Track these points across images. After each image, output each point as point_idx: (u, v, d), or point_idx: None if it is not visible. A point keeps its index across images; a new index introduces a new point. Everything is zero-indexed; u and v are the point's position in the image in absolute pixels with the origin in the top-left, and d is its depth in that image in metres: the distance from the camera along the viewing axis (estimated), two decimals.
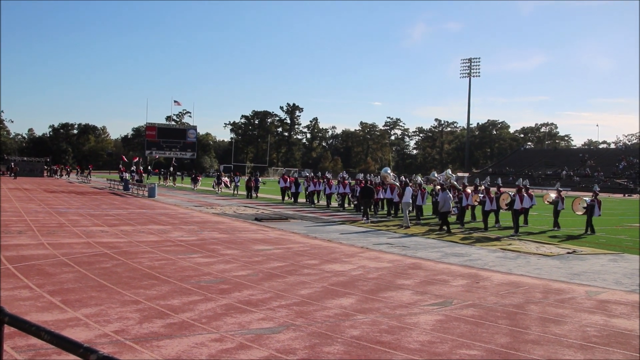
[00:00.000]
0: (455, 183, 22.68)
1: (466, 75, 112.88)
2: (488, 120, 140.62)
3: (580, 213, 19.41)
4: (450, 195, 19.38)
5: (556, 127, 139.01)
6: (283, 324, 6.48)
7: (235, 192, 37.90)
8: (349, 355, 5.45)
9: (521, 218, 19.36)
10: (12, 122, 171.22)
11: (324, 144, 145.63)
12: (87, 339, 5.59)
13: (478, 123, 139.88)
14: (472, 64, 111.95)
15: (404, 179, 23.24)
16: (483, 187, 20.56)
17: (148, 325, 6.20)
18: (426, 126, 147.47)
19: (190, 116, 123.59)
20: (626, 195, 66.97)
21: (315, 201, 30.27)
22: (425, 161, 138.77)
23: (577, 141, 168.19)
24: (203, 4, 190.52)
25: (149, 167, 54.97)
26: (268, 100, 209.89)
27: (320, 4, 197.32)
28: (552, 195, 20.71)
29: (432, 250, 13.49)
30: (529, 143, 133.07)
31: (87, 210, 21.18)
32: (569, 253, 13.64)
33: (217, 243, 13.43)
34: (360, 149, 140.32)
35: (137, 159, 52.41)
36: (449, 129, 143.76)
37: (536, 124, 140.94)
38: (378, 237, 16.02)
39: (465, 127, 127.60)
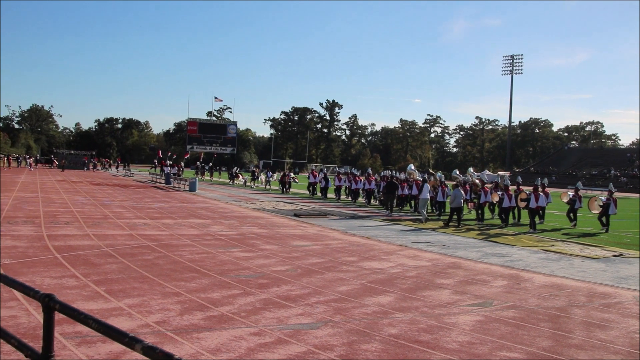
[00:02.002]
0: (477, 180, 23.26)
1: (508, 72, 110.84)
2: (530, 118, 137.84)
3: (596, 212, 19.97)
4: (462, 192, 19.92)
5: (602, 126, 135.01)
6: (321, 320, 6.50)
7: (268, 186, 39.40)
8: (387, 354, 5.42)
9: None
10: (61, 116, 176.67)
11: (363, 140, 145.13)
12: (130, 328, 5.71)
13: (520, 121, 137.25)
14: (515, 60, 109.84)
15: (424, 176, 24.13)
16: (503, 185, 21.35)
17: (188, 317, 6.31)
18: (467, 124, 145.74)
19: (230, 112, 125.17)
20: None
21: (343, 196, 31.27)
22: (465, 159, 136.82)
23: (625, 140, 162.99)
24: (244, 1, 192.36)
25: (202, 164, 55.41)
26: (308, 96, 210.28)
27: (359, 1, 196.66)
28: (570, 193, 21.06)
29: (472, 250, 13.30)
30: (573, 142, 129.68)
31: (130, 203, 21.67)
32: (615, 256, 13.26)
33: (256, 238, 13.55)
34: (399, 147, 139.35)
35: (162, 153, 53.40)
36: (490, 127, 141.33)
37: (581, 123, 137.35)
38: (417, 235, 15.89)
39: (507, 125, 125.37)
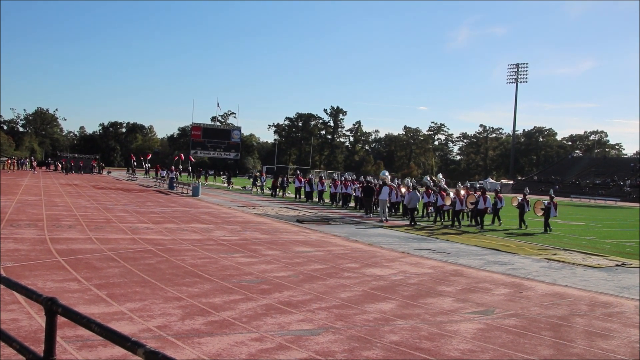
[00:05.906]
0: (445, 186, 25.61)
1: (513, 80, 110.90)
2: (534, 126, 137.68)
3: (539, 214, 22.42)
4: (419, 195, 22.83)
5: (606, 135, 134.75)
6: (322, 326, 6.50)
7: (260, 191, 40.50)
8: None
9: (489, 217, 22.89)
10: (66, 119, 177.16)
11: (366, 147, 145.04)
12: (131, 332, 5.72)
13: (524, 129, 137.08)
14: (520, 69, 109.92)
15: (386, 181, 26.31)
16: (455, 190, 24.01)
17: (190, 322, 6.32)
18: (470, 132, 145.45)
19: (235, 117, 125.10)
20: None
21: (326, 200, 33.85)
22: (469, 167, 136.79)
23: (629, 150, 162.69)
24: (249, 7, 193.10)
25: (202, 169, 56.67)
26: (312, 102, 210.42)
27: (364, 7, 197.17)
28: (519, 198, 23.82)
29: (474, 258, 13.28)
30: (577, 151, 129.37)
31: (133, 207, 21.71)
32: (617, 265, 13.23)
33: (258, 243, 13.56)
34: (403, 154, 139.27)
35: (149, 156, 54.19)
36: (493, 135, 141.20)
37: (585, 132, 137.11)
38: (419, 242, 15.88)
39: (511, 133, 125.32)
